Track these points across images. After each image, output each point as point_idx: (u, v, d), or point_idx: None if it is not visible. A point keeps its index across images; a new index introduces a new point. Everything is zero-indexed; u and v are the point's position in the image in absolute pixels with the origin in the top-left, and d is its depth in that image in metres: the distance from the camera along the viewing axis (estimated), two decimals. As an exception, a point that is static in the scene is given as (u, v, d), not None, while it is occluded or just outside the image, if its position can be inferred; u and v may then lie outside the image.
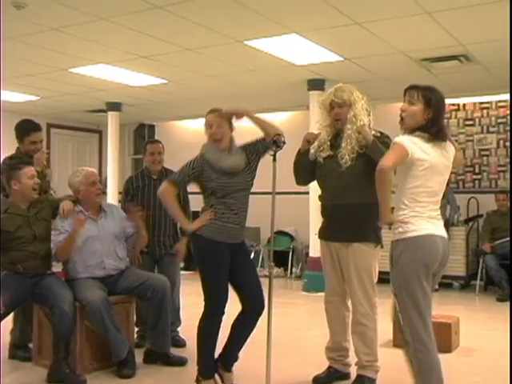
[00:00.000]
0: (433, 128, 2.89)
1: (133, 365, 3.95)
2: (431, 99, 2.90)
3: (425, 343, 2.81)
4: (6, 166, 4.18)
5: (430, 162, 2.86)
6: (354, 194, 3.53)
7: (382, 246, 3.61)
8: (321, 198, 3.77)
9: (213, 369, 3.56)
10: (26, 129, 4.47)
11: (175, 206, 3.63)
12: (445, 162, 2.94)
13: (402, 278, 2.85)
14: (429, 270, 2.84)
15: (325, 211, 3.74)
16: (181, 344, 4.60)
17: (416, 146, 2.83)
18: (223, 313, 3.48)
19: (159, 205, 4.39)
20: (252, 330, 3.56)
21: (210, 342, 3.52)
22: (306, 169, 3.76)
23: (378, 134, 3.56)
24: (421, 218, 2.86)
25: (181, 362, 4.15)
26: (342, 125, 3.59)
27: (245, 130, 3.72)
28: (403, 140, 2.84)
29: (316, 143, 3.69)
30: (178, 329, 4.74)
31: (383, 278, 3.67)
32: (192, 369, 3.68)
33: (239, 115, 3.52)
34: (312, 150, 3.71)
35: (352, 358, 3.75)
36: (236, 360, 3.63)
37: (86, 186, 4.08)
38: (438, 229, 2.94)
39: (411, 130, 2.91)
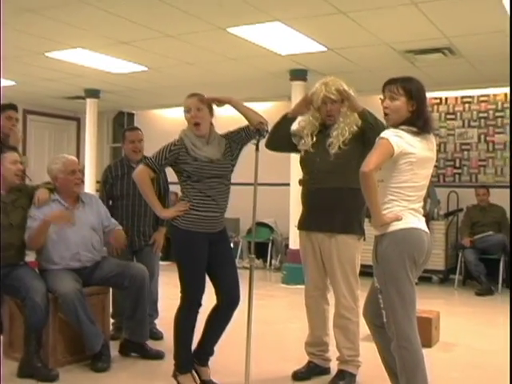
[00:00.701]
0: (419, 120, 2.82)
1: (107, 358, 3.84)
2: (411, 90, 2.83)
3: (410, 340, 2.75)
4: None
5: (417, 156, 2.79)
6: (341, 178, 3.43)
7: (364, 239, 3.54)
8: (303, 182, 3.66)
9: (190, 363, 3.47)
10: (2, 106, 4.59)
11: (150, 189, 3.49)
12: (430, 154, 2.88)
13: (388, 272, 2.78)
14: (415, 264, 2.78)
15: (307, 197, 3.63)
16: (158, 336, 4.50)
17: (403, 140, 2.76)
18: (200, 305, 3.40)
19: (139, 194, 4.26)
20: (227, 324, 3.48)
21: (187, 335, 3.43)
22: (282, 135, 3.65)
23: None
24: (407, 211, 2.80)
25: (158, 356, 4.05)
26: (334, 120, 3.52)
27: (228, 119, 3.62)
28: (389, 136, 2.76)
29: (301, 122, 3.62)
30: (156, 321, 4.64)
31: (364, 272, 3.62)
32: (169, 363, 3.60)
33: (221, 102, 3.43)
34: (294, 127, 3.64)
35: (332, 353, 3.69)
36: (211, 354, 3.54)
37: (64, 174, 3.94)
38: (422, 223, 2.89)
39: (397, 125, 2.84)
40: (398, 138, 2.75)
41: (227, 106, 3.45)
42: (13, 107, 4.68)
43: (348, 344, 3.52)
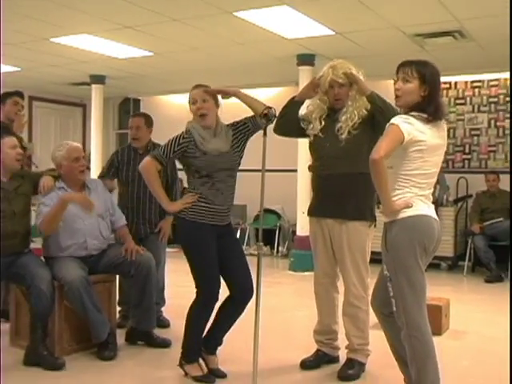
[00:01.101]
0: (430, 106, 2.74)
1: (114, 346, 3.81)
2: (425, 74, 2.75)
3: (420, 328, 2.70)
4: None
5: (427, 143, 2.72)
6: (351, 163, 3.36)
7: (375, 226, 3.48)
8: (313, 168, 3.60)
9: (197, 353, 3.44)
10: (9, 92, 4.82)
11: (157, 182, 3.42)
12: (441, 142, 2.81)
13: (398, 260, 2.72)
14: (425, 251, 2.72)
15: (317, 183, 3.57)
16: (165, 324, 4.47)
17: (413, 127, 2.69)
18: (217, 300, 3.35)
19: (135, 175, 4.31)
20: (239, 316, 3.44)
21: (199, 329, 3.40)
22: (290, 119, 3.57)
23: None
24: (417, 198, 2.74)
25: (164, 344, 4.02)
26: (342, 104, 3.44)
27: (233, 107, 3.56)
28: (399, 122, 2.69)
29: (310, 107, 3.56)
30: (162, 308, 4.61)
31: (374, 259, 3.57)
32: (175, 351, 3.57)
33: (227, 94, 3.38)
34: (302, 112, 3.58)
35: (341, 341, 3.65)
36: (220, 344, 3.51)
37: (68, 161, 3.88)
38: (432, 211, 2.83)
39: (408, 109, 2.77)
40: (408, 125, 2.68)
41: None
42: (19, 94, 4.83)
43: (357, 332, 3.47)
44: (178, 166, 3.74)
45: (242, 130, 3.43)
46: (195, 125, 3.35)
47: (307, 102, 3.60)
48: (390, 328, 2.95)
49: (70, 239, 3.84)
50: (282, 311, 5.21)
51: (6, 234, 3.69)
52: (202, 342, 3.44)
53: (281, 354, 3.90)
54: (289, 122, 3.58)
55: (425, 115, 2.74)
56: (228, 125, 3.44)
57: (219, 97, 3.42)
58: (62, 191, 3.87)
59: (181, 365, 3.43)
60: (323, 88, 3.46)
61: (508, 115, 7.87)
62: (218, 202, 3.32)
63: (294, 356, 3.74)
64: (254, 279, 3.30)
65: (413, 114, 2.74)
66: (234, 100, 3.42)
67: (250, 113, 3.44)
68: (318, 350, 3.67)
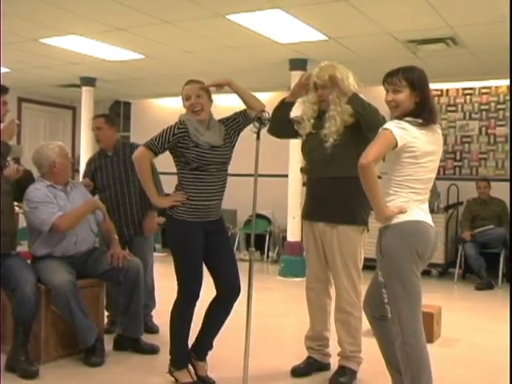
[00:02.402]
0: (424, 112, 2.71)
1: (101, 352, 3.73)
2: (414, 80, 2.71)
3: (415, 336, 2.66)
4: None
5: (420, 149, 2.68)
6: (341, 168, 3.32)
7: (368, 231, 3.44)
8: (305, 170, 3.59)
9: (186, 359, 3.38)
10: None
11: (148, 175, 3.33)
12: (435, 147, 2.77)
13: (393, 266, 2.67)
14: (420, 257, 2.68)
15: (308, 186, 3.56)
16: (154, 330, 4.40)
17: (407, 132, 2.65)
18: (197, 298, 3.29)
19: (120, 182, 4.32)
20: (227, 316, 3.39)
21: (184, 330, 3.33)
22: (282, 120, 3.53)
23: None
24: (412, 204, 2.70)
25: (152, 350, 3.95)
26: (327, 105, 3.41)
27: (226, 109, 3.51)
28: (392, 127, 2.65)
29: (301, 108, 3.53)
30: (153, 312, 4.53)
31: (367, 265, 3.53)
32: (164, 357, 3.50)
33: (221, 85, 3.32)
34: (295, 114, 3.56)
35: (332, 348, 3.60)
36: (210, 349, 3.45)
37: (61, 158, 3.89)
38: (428, 217, 2.79)
39: (402, 116, 2.73)
40: (401, 131, 2.64)
41: (226, 96, 3.34)
42: (4, 89, 4.12)
43: (350, 339, 3.43)
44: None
45: (233, 126, 3.39)
46: (189, 116, 3.30)
47: (299, 102, 3.57)
48: (382, 332, 2.91)
49: (61, 237, 3.78)
50: (272, 317, 5.16)
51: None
52: (190, 347, 3.38)
53: (271, 361, 3.85)
54: (281, 123, 3.55)
55: (420, 120, 2.70)
56: (219, 120, 3.39)
57: (212, 91, 3.36)
58: (50, 189, 3.83)
59: (170, 372, 3.36)
60: (310, 88, 3.46)
61: (499, 123, 7.89)
62: (206, 199, 3.26)
63: (285, 362, 3.69)
64: (245, 284, 3.24)
65: (407, 119, 2.70)
66: (224, 102, 3.37)
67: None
68: (308, 357, 3.61)
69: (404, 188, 2.71)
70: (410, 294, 2.66)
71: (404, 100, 2.71)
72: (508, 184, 6.85)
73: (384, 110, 2.99)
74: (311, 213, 3.51)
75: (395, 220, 2.69)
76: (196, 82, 3.34)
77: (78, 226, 3.81)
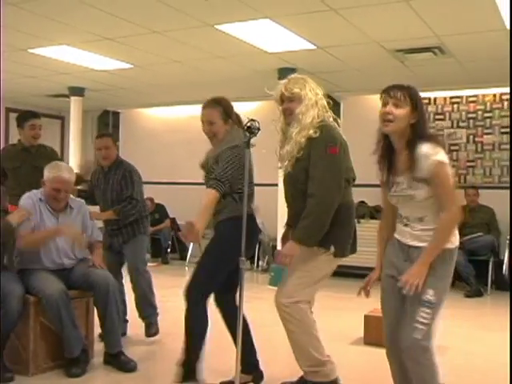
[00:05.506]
0: (416, 135, 2.57)
1: (84, 364, 3.67)
2: (417, 102, 2.60)
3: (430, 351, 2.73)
4: None
5: None
6: (295, 187, 3.21)
7: (336, 255, 3.22)
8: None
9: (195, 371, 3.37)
10: (24, 116, 4.92)
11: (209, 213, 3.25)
12: None
13: (443, 286, 2.71)
14: None
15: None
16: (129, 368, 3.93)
17: None
18: (209, 296, 3.34)
19: (103, 194, 4.45)
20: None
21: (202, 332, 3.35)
22: None
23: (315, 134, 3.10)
24: None
25: (128, 368, 3.74)
26: (290, 119, 3.20)
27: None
28: (446, 158, 2.55)
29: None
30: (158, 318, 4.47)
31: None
32: (146, 372, 3.45)
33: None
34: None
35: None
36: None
37: (48, 186, 3.83)
38: None
39: (397, 135, 2.62)
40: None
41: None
42: (35, 115, 4.93)
43: (299, 355, 3.28)
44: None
45: None
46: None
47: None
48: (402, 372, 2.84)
49: (43, 256, 3.79)
50: (263, 327, 5.11)
51: None
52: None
53: (262, 370, 3.83)
54: None
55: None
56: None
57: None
58: (41, 203, 3.83)
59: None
60: (276, 102, 3.30)
61: (486, 131, 7.96)
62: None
63: (275, 371, 3.68)
64: (236, 294, 3.25)
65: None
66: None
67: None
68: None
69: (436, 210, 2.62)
70: (439, 310, 2.76)
71: (403, 117, 2.56)
72: (496, 191, 6.91)
73: (369, 118, 2.91)
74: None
75: (449, 245, 2.63)
76: (213, 103, 3.47)
77: (41, 247, 3.77)
